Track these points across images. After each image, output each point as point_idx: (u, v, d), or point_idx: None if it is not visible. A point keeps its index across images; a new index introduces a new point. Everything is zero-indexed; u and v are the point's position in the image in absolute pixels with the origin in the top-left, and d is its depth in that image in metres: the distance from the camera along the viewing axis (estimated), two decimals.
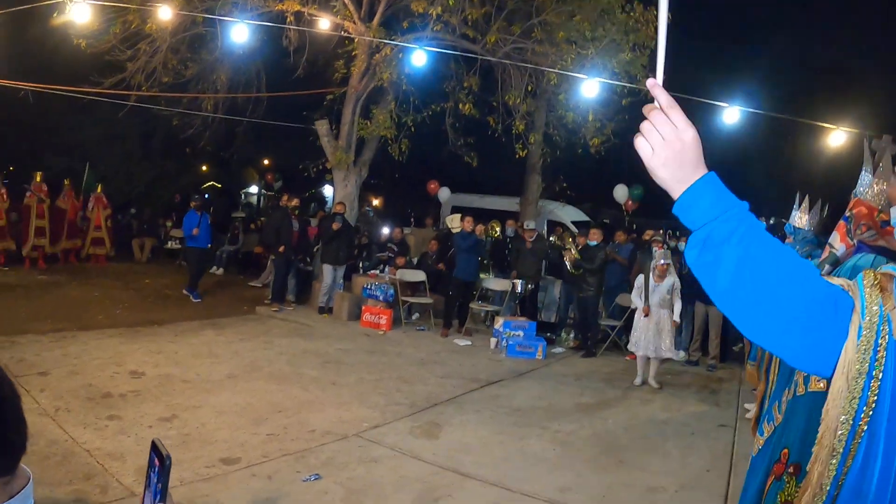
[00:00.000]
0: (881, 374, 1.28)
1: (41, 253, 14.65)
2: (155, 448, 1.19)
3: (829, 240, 3.37)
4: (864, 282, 1.36)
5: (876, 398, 1.29)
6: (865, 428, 1.30)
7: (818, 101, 16.38)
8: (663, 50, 1.41)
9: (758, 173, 21.56)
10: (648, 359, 8.96)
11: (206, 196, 13.87)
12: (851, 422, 1.31)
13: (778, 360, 4.53)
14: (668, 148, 1.31)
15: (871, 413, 1.29)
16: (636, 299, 9.17)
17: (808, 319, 1.29)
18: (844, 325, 1.31)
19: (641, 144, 1.34)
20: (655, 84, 1.36)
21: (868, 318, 1.30)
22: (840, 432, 1.33)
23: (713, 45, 22.87)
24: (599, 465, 5.87)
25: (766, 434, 2.66)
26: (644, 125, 1.34)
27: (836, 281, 1.39)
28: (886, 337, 1.29)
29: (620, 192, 17.82)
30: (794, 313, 1.27)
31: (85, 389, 6.66)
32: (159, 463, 1.17)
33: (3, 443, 1.10)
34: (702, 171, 1.32)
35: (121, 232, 17.67)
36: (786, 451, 2.28)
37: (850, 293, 1.35)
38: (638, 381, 8.98)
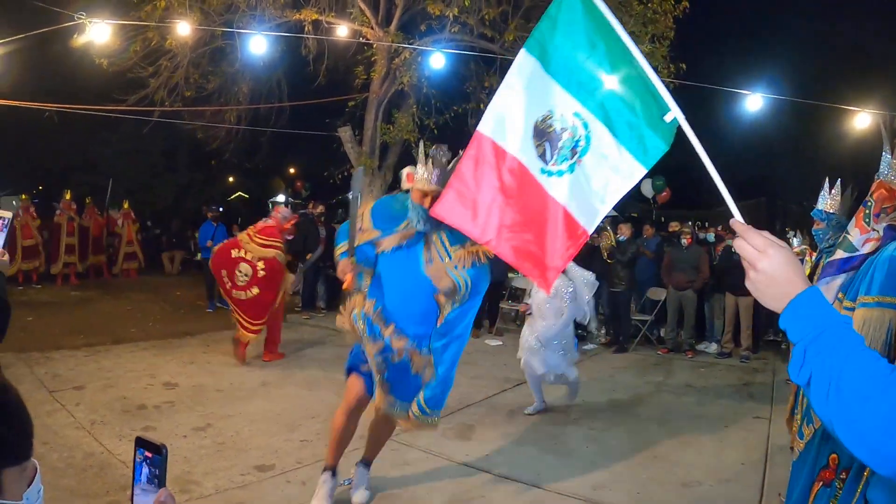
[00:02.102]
0: None
1: (72, 270, 14.87)
2: (143, 443, 1.22)
3: (847, 226, 3.32)
4: None
5: None
6: None
7: (842, 83, 16.12)
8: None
9: (783, 159, 21.32)
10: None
11: (220, 207, 13.92)
12: None
13: None
14: (751, 269, 1.40)
15: None
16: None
17: (891, 431, 1.22)
18: None
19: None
20: (735, 221, 1.52)
21: None
22: None
23: (735, 31, 22.66)
24: (634, 461, 5.82)
25: (806, 437, 2.59)
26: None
27: None
28: None
29: (648, 187, 17.70)
30: (875, 424, 1.22)
31: (120, 402, 6.75)
32: (152, 454, 1.20)
33: (16, 432, 1.18)
34: (798, 287, 1.35)
35: (150, 245, 17.87)
36: (834, 456, 2.21)
37: None
38: (530, 409, 7.19)
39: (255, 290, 8.49)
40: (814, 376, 1.29)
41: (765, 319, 10.48)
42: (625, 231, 10.75)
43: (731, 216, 1.58)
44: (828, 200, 4.94)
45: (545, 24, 2.39)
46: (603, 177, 2.37)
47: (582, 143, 2.36)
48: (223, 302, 12.43)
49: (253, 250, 8.52)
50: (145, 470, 1.22)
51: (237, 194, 29.41)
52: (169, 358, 8.72)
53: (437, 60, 11.62)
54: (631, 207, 20.78)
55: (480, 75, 13.50)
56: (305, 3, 12.18)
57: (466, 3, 11.51)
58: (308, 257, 12.46)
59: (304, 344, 9.98)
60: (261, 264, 8.48)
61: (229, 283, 8.52)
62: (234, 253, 8.59)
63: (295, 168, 29.24)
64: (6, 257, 2.82)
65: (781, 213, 23.66)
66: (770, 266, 1.36)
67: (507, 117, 2.46)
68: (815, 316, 1.31)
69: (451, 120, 13.96)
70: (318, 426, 6.34)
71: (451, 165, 4.15)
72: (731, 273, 10.21)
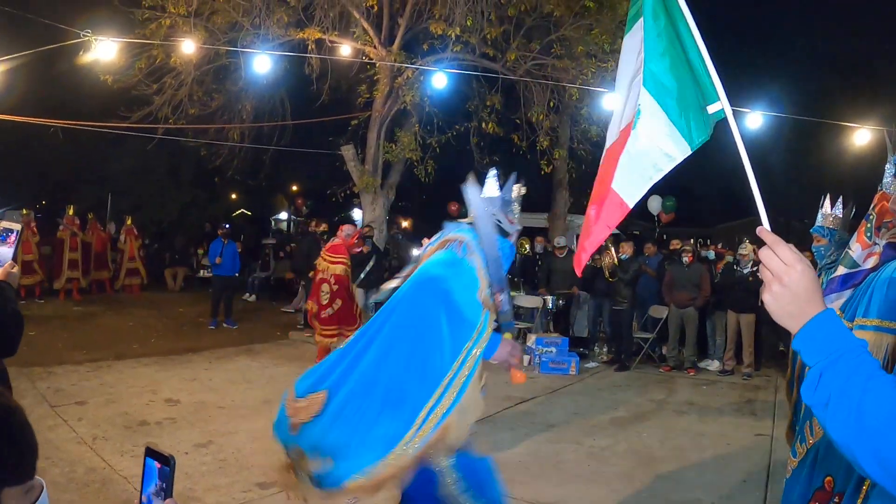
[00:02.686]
0: None
1: (75, 285, 14.89)
2: (152, 453, 1.24)
3: (849, 241, 3.26)
4: None
5: None
6: None
7: (841, 100, 16.22)
8: None
9: (784, 176, 21.36)
10: None
11: (228, 225, 13.95)
12: None
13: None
14: (776, 282, 1.35)
15: None
16: None
17: None
18: None
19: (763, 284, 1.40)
20: (763, 229, 1.44)
21: None
22: None
23: (734, 49, 22.76)
24: (635, 479, 5.81)
25: (799, 455, 2.55)
26: (760, 266, 1.41)
27: None
28: None
29: (654, 204, 17.70)
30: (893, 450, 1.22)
31: (121, 418, 6.75)
32: (161, 464, 1.22)
33: (18, 452, 1.19)
34: (815, 307, 1.33)
35: (153, 262, 17.91)
36: (829, 479, 2.16)
37: None
38: None
39: (339, 303, 9.14)
40: (832, 401, 1.27)
41: (767, 337, 10.48)
42: (627, 249, 10.77)
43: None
44: (828, 217, 4.96)
45: None
46: (652, 149, 2.34)
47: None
48: (230, 322, 12.53)
49: (325, 268, 9.24)
50: (154, 481, 1.24)
51: (240, 211, 29.48)
52: (171, 374, 8.72)
53: (440, 79, 11.69)
54: (633, 226, 20.81)
55: (482, 94, 13.58)
56: (309, 22, 12.27)
57: (469, 23, 11.59)
58: (311, 275, 12.47)
59: (307, 361, 9.96)
60: (332, 279, 9.14)
61: (316, 308, 9.18)
62: (317, 277, 9.42)
63: (297, 186, 29.33)
64: (17, 269, 2.84)
65: (783, 230, 23.68)
66: (796, 282, 1.33)
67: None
68: (833, 339, 1.30)
69: (454, 139, 14.02)
70: None
71: None
72: (732, 290, 10.22)
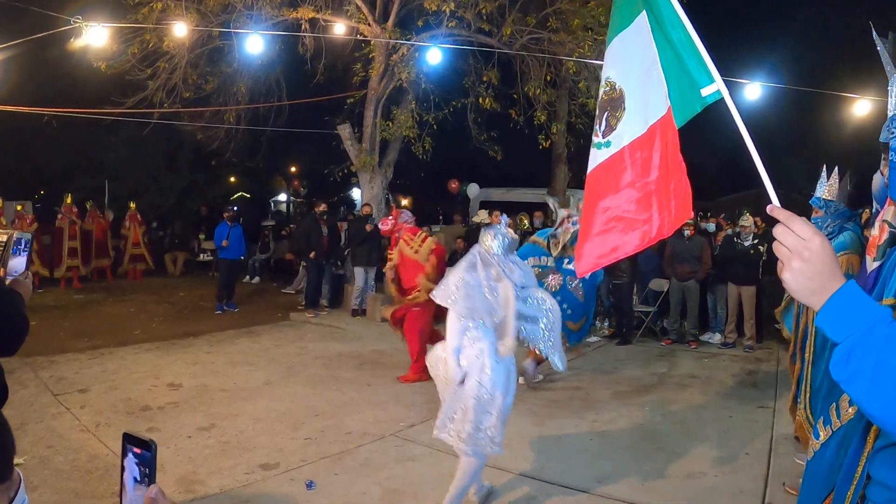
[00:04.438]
0: None
1: (76, 273, 14.89)
2: (130, 438, 1.22)
3: (885, 216, 2.90)
4: None
5: None
6: None
7: (841, 71, 16.09)
8: None
9: (784, 148, 21.27)
10: None
11: (235, 207, 13.94)
12: None
13: (813, 340, 4.43)
14: (795, 259, 1.32)
15: None
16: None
17: None
18: None
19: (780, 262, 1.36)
20: (774, 207, 1.43)
21: None
22: None
23: (732, 20, 22.60)
24: (638, 453, 5.82)
25: (822, 438, 2.51)
26: (775, 243, 1.37)
27: None
28: None
29: None
30: None
31: (124, 404, 6.77)
32: (142, 449, 1.20)
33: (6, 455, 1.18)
34: (837, 281, 1.31)
35: (154, 247, 17.90)
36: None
37: None
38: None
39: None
40: (863, 374, 1.25)
41: (768, 309, 10.46)
42: None
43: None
44: (826, 188, 4.93)
45: None
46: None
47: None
48: (231, 305, 12.54)
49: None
50: (135, 467, 1.22)
51: (239, 194, 29.42)
52: (173, 359, 8.73)
53: (435, 56, 11.61)
54: None
55: (479, 70, 13.48)
56: (302, 1, 12.18)
57: None
58: (312, 256, 12.47)
59: (308, 341, 9.99)
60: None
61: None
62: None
63: (295, 166, 29.27)
64: (29, 279, 2.81)
65: (783, 202, 23.57)
66: (816, 256, 1.30)
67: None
68: (861, 312, 1.28)
69: (451, 115, 13.95)
70: (323, 424, 6.35)
71: None
72: (733, 263, 10.18)
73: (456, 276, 4.37)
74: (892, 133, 1.67)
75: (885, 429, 1.28)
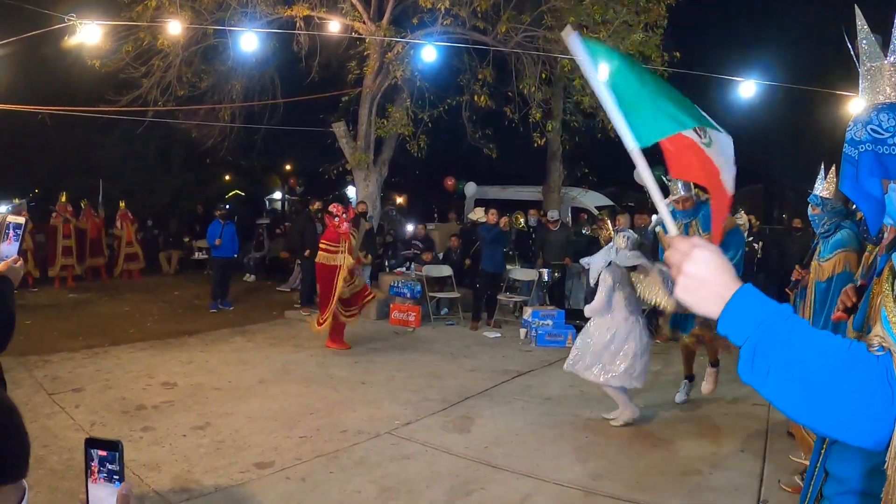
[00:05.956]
0: None
1: (70, 272, 14.84)
2: (94, 443, 1.23)
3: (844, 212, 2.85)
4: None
5: None
6: None
7: (838, 68, 16.10)
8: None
9: (780, 145, 21.31)
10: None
11: (228, 206, 13.87)
12: None
13: None
14: (679, 273, 1.34)
15: None
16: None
17: (861, 404, 1.24)
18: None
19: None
20: (666, 235, 1.47)
21: None
22: None
23: (729, 18, 22.62)
24: (632, 450, 5.83)
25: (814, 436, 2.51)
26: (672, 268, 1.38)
27: (876, 335, 1.33)
28: None
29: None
30: (846, 402, 1.23)
31: (119, 403, 6.75)
32: (108, 451, 1.21)
33: (19, 453, 1.20)
34: (731, 287, 1.31)
35: (147, 246, 17.84)
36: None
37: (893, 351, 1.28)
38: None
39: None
40: (772, 371, 1.26)
41: None
42: (622, 221, 10.76)
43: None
44: (824, 186, 4.95)
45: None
46: None
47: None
48: (226, 303, 12.51)
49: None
50: (103, 470, 1.22)
51: (233, 192, 29.33)
52: (167, 358, 8.71)
53: (430, 53, 11.58)
54: (627, 198, 20.77)
55: (474, 67, 13.45)
56: None
57: None
58: (306, 254, 12.44)
59: (302, 340, 9.97)
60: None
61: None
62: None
63: (290, 165, 29.21)
64: (20, 264, 2.81)
65: (779, 199, 23.67)
66: (695, 268, 1.31)
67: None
68: (759, 311, 1.28)
69: (446, 113, 13.93)
70: (317, 422, 6.34)
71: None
72: None
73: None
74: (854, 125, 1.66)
75: (804, 424, 1.29)
